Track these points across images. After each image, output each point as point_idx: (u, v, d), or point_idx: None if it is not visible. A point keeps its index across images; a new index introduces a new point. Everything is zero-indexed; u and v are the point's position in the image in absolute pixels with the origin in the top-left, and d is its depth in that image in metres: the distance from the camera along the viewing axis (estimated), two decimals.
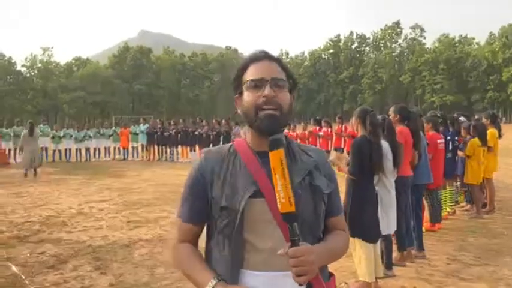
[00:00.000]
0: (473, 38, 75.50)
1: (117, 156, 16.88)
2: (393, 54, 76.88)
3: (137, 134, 16.48)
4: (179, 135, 15.78)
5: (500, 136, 6.82)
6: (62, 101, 70.41)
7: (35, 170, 11.61)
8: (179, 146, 16.08)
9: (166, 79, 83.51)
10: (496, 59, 64.68)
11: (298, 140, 12.21)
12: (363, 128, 3.62)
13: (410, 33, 77.28)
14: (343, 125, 11.27)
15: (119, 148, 16.97)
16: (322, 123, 11.79)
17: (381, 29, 79.68)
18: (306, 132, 12.23)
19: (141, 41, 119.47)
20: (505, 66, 62.95)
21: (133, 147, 16.75)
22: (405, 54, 75.98)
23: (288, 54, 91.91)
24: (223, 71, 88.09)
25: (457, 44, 73.11)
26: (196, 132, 15.30)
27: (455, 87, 68.54)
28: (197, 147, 15.57)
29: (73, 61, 79.93)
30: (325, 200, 1.20)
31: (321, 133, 11.64)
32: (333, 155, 10.47)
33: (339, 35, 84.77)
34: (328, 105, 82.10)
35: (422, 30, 76.26)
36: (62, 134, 16.41)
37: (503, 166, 7.78)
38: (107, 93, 72.76)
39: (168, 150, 16.18)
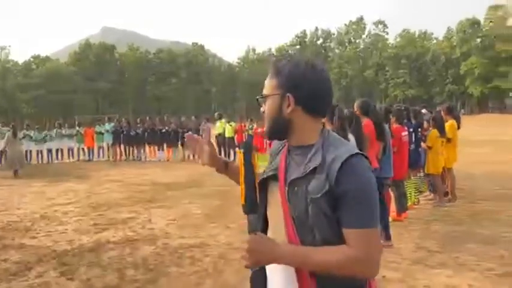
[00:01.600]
0: (432, 33, 78.27)
1: (81, 157, 16.35)
2: (357, 49, 78.46)
3: (102, 134, 16.03)
4: (146, 133, 15.48)
5: (458, 127, 7.12)
6: (20, 100, 67.43)
7: (15, 171, 11.94)
8: (146, 145, 15.78)
9: (131, 76, 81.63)
10: (454, 53, 67.33)
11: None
12: (329, 122, 3.68)
13: (374, 29, 79.14)
14: None
15: (83, 149, 16.45)
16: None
17: (345, 25, 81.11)
18: None
19: (104, 37, 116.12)
20: (463, 60, 65.60)
21: (98, 147, 16.28)
22: (369, 49, 77.69)
23: (255, 50, 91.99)
24: (190, 68, 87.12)
25: (417, 40, 75.51)
26: (164, 130, 15.07)
27: (417, 81, 70.87)
28: (165, 146, 15.36)
29: (31, 59, 76.63)
30: (322, 204, 1.13)
31: None
32: None
33: (304, 31, 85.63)
34: None
35: (384, 26, 78.22)
36: (21, 136, 15.71)
37: (463, 156, 8.11)
38: (68, 91, 70.29)
39: (135, 149, 15.84)
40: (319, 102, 1.20)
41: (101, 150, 16.29)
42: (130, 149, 15.91)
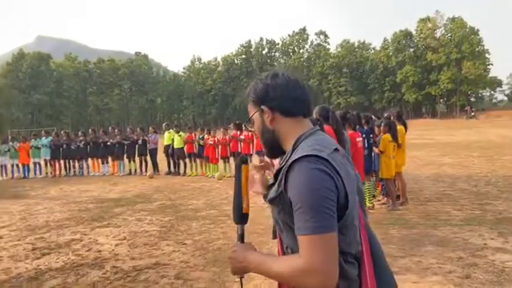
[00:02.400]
0: (370, 44, 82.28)
1: (16, 175, 15.05)
2: (301, 59, 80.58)
3: (39, 148, 14.87)
4: (89, 146, 14.59)
5: (405, 132, 7.35)
6: None
7: None
8: (89, 159, 14.86)
9: (70, 87, 77.61)
10: (391, 62, 71.31)
11: (220, 146, 12.03)
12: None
13: (316, 39, 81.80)
14: None
15: (17, 165, 15.14)
16: (243, 127, 11.73)
17: (289, 35, 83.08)
18: (227, 137, 12.07)
19: (39, 47, 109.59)
20: (399, 69, 69.64)
21: (35, 163, 15.07)
22: (312, 59, 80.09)
23: (200, 59, 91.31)
24: (134, 78, 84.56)
25: (356, 49, 79.10)
26: (109, 143, 14.29)
27: (357, 89, 74.06)
28: (110, 159, 14.56)
29: None
30: (280, 210, 1.17)
31: (242, 137, 11.57)
32: (255, 159, 10.46)
33: (249, 41, 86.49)
34: (244, 110, 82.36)
35: (326, 36, 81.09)
36: None
37: (408, 159, 8.39)
38: (0, 104, 65.23)
39: (77, 164, 14.86)
40: (291, 101, 1.24)
41: (37, 166, 15.09)
42: (71, 163, 14.91)
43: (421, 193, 7.75)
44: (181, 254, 5.01)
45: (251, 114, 1.34)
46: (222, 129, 12.81)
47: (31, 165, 15.11)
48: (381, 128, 6.70)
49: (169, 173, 13.41)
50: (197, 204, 8.23)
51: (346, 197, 1.09)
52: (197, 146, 12.79)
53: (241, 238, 1.30)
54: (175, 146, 13.09)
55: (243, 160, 1.34)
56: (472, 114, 56.15)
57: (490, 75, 68.65)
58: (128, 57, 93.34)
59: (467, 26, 65.74)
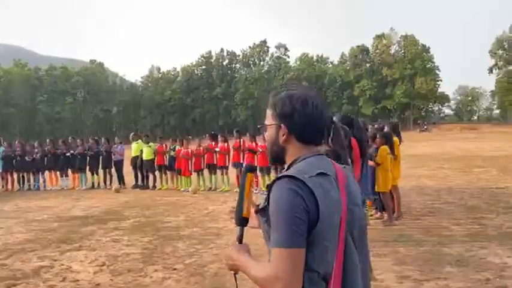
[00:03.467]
0: (328, 58, 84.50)
1: None
2: (262, 71, 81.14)
3: None
4: (46, 158, 13.40)
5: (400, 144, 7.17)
6: None
7: None
8: (46, 172, 13.65)
9: (18, 95, 73.21)
10: (348, 76, 73.50)
11: (193, 158, 11.41)
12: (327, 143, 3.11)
13: (276, 52, 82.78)
14: (241, 139, 10.84)
15: None
16: (219, 138, 11.20)
17: (250, 47, 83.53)
18: (201, 148, 11.47)
19: None
20: (356, 82, 71.92)
21: None
22: (272, 71, 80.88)
23: (159, 69, 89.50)
24: (88, 86, 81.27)
25: (315, 63, 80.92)
26: (69, 154, 13.20)
27: None
28: (69, 172, 13.45)
29: None
30: (263, 222, 1.27)
31: (217, 149, 11.02)
32: (232, 172, 9.93)
33: (210, 52, 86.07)
34: (204, 121, 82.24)
35: (286, 49, 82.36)
36: None
37: None
38: None
39: (31, 177, 13.60)
40: (310, 131, 1.30)
41: None
42: (26, 176, 13.62)
43: (411, 207, 7.57)
44: (174, 281, 4.41)
45: (268, 122, 1.37)
46: (196, 140, 12.15)
47: None
48: (377, 140, 6.45)
49: (136, 186, 12.54)
50: (177, 221, 7.57)
51: (317, 218, 1.16)
52: (168, 157, 12.08)
53: (239, 239, 1.37)
54: (144, 158, 12.29)
55: (250, 169, 1.42)
56: (425, 127, 58.85)
57: (439, 91, 72.53)
58: (82, 65, 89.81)
59: (419, 44, 69.28)
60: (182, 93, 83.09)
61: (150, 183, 12.37)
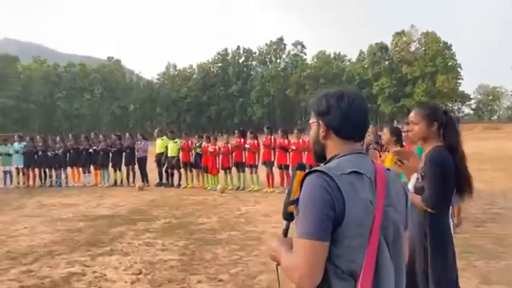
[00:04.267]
0: (346, 55, 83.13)
1: None
2: (278, 68, 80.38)
3: (10, 155, 13.19)
4: (68, 154, 13.06)
5: None
6: None
7: None
8: (68, 168, 13.31)
9: (38, 92, 74.04)
10: (367, 74, 72.17)
11: (220, 156, 10.90)
12: (436, 133, 2.51)
13: (293, 50, 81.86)
14: (272, 136, 10.27)
15: None
16: (248, 135, 10.66)
17: (266, 44, 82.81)
18: (229, 145, 10.93)
19: (5, 49, 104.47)
20: (375, 81, 70.56)
21: (5, 172, 13.36)
22: (289, 69, 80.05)
23: (175, 66, 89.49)
24: (106, 83, 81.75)
25: (332, 61, 79.72)
26: (91, 150, 12.83)
27: None
28: (92, 168, 13.09)
29: None
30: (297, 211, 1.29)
31: (247, 146, 10.47)
32: (263, 169, 9.33)
33: (226, 49, 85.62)
34: (219, 118, 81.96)
35: (303, 46, 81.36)
36: None
37: None
38: None
39: (54, 173, 13.28)
40: (347, 126, 1.32)
41: (7, 176, 13.37)
42: (47, 172, 13.31)
43: (468, 212, 6.88)
44: None
45: (311, 121, 1.41)
46: (224, 136, 11.59)
47: (0, 174, 13.40)
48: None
49: (160, 184, 12.09)
50: (210, 223, 7.05)
51: (343, 216, 1.17)
52: (194, 154, 11.58)
53: (284, 233, 1.37)
54: (169, 155, 11.82)
55: (299, 167, 1.37)
56: None
57: (460, 89, 70.66)
58: (99, 63, 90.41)
59: (441, 41, 67.54)
60: (198, 91, 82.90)
61: (175, 181, 11.90)
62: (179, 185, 11.76)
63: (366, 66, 73.79)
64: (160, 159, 12.08)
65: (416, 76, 66.70)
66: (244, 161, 10.64)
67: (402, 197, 1.34)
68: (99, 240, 6.01)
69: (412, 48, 71.12)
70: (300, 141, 9.50)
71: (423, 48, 69.37)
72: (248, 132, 10.81)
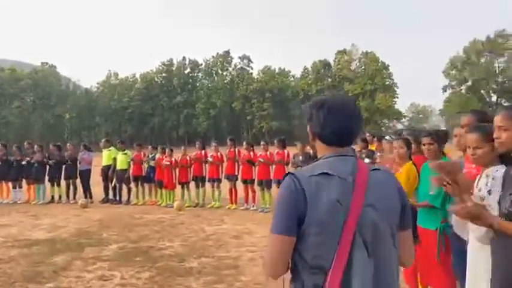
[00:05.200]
0: (290, 71, 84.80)
1: None
2: (225, 81, 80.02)
3: None
4: None
5: None
6: None
7: None
8: None
9: None
10: (311, 90, 74.09)
11: (177, 169, 9.94)
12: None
13: (239, 63, 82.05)
14: (236, 148, 9.52)
15: None
16: (213, 146, 9.82)
17: (213, 56, 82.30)
18: (188, 157, 9.99)
19: None
20: None
21: None
22: (235, 82, 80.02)
23: (117, 75, 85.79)
24: (38, 90, 76.03)
25: (277, 76, 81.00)
26: (24, 162, 11.20)
27: (279, 114, 75.46)
28: (24, 182, 11.44)
29: None
30: None
31: (209, 158, 9.61)
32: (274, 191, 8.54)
33: (171, 59, 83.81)
34: (163, 130, 79.52)
35: (249, 60, 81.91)
36: None
37: None
38: None
39: None
40: (327, 134, 1.40)
41: None
42: None
43: None
44: None
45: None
46: (182, 148, 10.61)
47: None
48: None
49: (107, 200, 10.79)
50: (174, 247, 6.09)
51: (305, 213, 1.28)
52: (146, 167, 10.48)
53: None
54: (117, 167, 10.60)
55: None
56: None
57: (396, 107, 74.85)
58: (31, 68, 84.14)
59: (379, 61, 71.32)
60: (141, 101, 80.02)
61: (124, 198, 10.67)
62: (128, 201, 10.55)
63: (310, 82, 75.79)
64: (107, 172, 10.80)
65: (357, 93, 69.57)
66: (204, 174, 9.76)
67: (393, 197, 1.38)
68: (39, 274, 4.84)
69: (353, 67, 74.43)
70: (268, 153, 8.85)
71: (363, 67, 72.78)
72: (213, 143, 9.89)
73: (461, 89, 66.29)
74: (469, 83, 64.99)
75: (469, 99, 61.45)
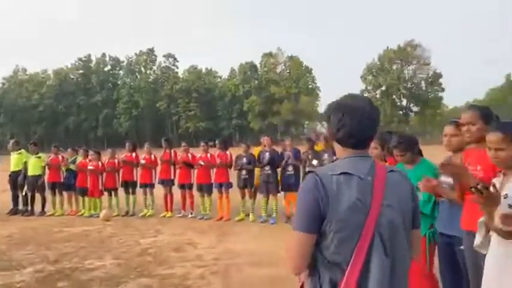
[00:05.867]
0: (217, 72, 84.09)
1: None
2: (148, 80, 76.86)
3: None
4: None
5: None
6: None
7: None
8: None
9: None
10: (238, 91, 74.19)
11: (104, 174, 8.84)
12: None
13: (164, 62, 79.36)
14: (172, 150, 8.68)
15: None
16: (145, 148, 8.87)
17: (136, 54, 78.51)
18: (116, 160, 8.92)
19: None
20: (245, 98, 72.92)
21: None
22: (160, 81, 77.26)
23: (25, 70, 78.03)
24: None
25: (204, 76, 79.85)
26: None
27: (206, 114, 74.44)
28: None
29: None
30: None
31: (142, 161, 8.66)
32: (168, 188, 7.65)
33: (89, 55, 78.33)
34: (80, 130, 74.03)
35: (175, 59, 79.53)
36: None
37: None
38: None
39: None
40: (342, 135, 1.44)
41: None
42: None
43: None
44: None
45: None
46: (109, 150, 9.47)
47: None
48: None
49: (16, 212, 9.29)
50: (106, 267, 5.19)
51: (328, 211, 1.33)
52: (65, 173, 9.19)
53: None
54: (29, 173, 9.15)
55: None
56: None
57: (318, 110, 78.02)
58: None
59: (303, 65, 73.68)
60: (53, 99, 73.70)
61: (38, 208, 9.24)
62: (43, 212, 9.16)
63: (237, 83, 75.81)
64: (17, 179, 9.28)
65: (282, 96, 71.10)
66: (135, 179, 8.78)
67: (407, 198, 1.45)
68: None
69: (279, 70, 75.97)
70: (209, 155, 8.17)
71: (288, 71, 74.62)
72: (146, 145, 8.93)
73: (376, 94, 71.09)
74: (383, 88, 69.93)
75: (383, 103, 66.06)
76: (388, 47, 69.77)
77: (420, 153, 3.35)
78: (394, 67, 69.98)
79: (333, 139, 1.48)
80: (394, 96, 70.68)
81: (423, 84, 69.89)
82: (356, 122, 1.40)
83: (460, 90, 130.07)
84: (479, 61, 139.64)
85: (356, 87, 70.32)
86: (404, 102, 71.66)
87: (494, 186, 1.96)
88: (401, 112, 71.06)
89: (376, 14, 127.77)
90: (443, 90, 68.54)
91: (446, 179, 2.78)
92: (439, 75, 68.10)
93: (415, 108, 71.58)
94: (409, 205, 1.44)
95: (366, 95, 72.82)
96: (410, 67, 69.96)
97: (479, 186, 1.91)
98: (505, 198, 1.97)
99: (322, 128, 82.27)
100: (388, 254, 1.33)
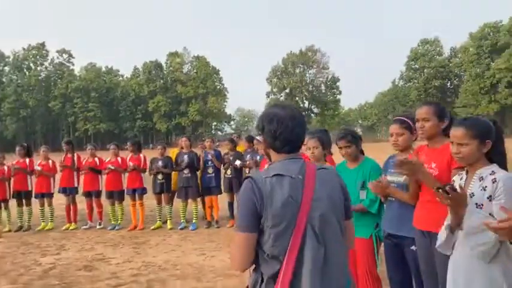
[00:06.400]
0: (118, 70, 79.52)
1: None
2: (39, 77, 69.58)
3: None
4: None
5: None
6: None
7: None
8: None
9: None
10: (143, 91, 71.05)
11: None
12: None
13: (58, 58, 72.58)
14: (75, 154, 7.69)
15: None
16: (42, 151, 7.70)
17: (24, 49, 70.45)
18: (6, 167, 7.62)
19: None
20: (150, 98, 70.16)
21: None
22: (53, 78, 70.48)
23: None
24: None
25: (104, 74, 74.96)
26: None
27: (107, 115, 69.99)
28: None
29: None
30: None
31: (38, 167, 7.49)
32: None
33: None
34: None
35: (70, 55, 73.23)
36: None
37: None
38: None
39: None
40: (277, 142, 1.55)
41: None
42: None
43: None
44: None
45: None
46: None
47: None
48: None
49: None
50: None
51: (263, 210, 1.44)
52: None
53: None
54: None
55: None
56: (217, 144, 62.26)
57: (226, 110, 78.42)
58: None
59: (210, 66, 73.40)
60: None
61: None
62: None
63: (141, 83, 72.58)
64: None
65: (190, 96, 70.02)
66: (30, 189, 7.61)
67: (337, 192, 1.57)
68: None
69: (185, 70, 74.60)
70: (119, 159, 7.40)
71: (195, 71, 73.69)
72: (43, 148, 7.76)
73: (281, 96, 73.92)
74: (287, 90, 73.00)
75: None
76: (291, 51, 73.02)
77: (362, 152, 3.29)
78: (297, 70, 73.50)
79: (270, 147, 1.58)
80: (297, 98, 74.22)
81: (323, 87, 74.54)
82: (289, 131, 1.53)
83: (354, 93, 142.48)
84: (372, 68, 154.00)
85: (262, 89, 72.29)
86: (306, 104, 75.71)
87: (461, 187, 1.90)
88: (304, 113, 75.02)
89: (283, 16, 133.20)
90: (340, 93, 73.96)
91: (394, 178, 2.72)
92: (337, 79, 73.32)
93: (316, 110, 76.05)
94: (340, 199, 1.56)
95: (271, 97, 75.37)
96: (311, 71, 74.18)
97: (447, 188, 1.83)
98: (471, 197, 1.91)
99: (227, 128, 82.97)
100: (321, 244, 1.44)
